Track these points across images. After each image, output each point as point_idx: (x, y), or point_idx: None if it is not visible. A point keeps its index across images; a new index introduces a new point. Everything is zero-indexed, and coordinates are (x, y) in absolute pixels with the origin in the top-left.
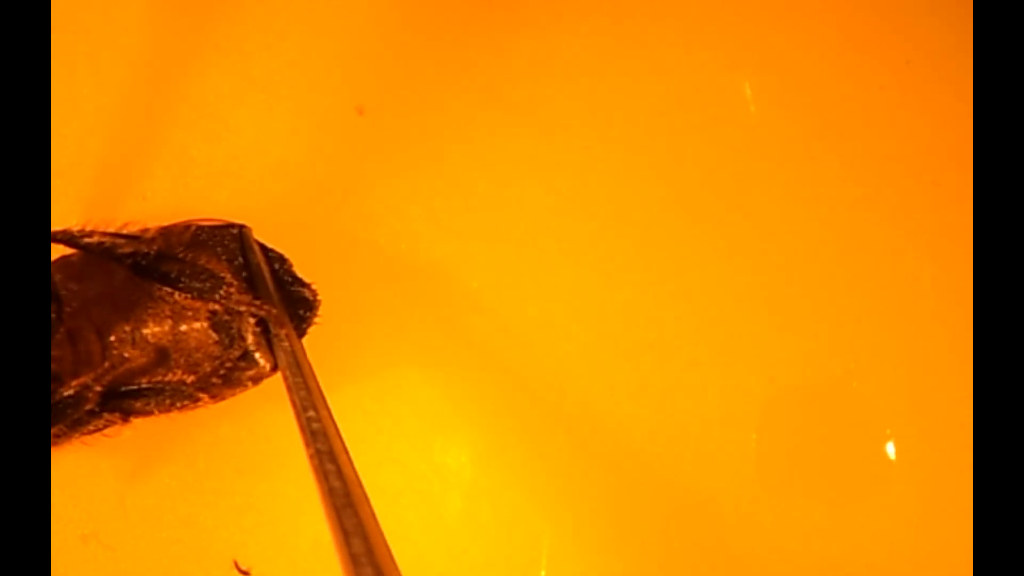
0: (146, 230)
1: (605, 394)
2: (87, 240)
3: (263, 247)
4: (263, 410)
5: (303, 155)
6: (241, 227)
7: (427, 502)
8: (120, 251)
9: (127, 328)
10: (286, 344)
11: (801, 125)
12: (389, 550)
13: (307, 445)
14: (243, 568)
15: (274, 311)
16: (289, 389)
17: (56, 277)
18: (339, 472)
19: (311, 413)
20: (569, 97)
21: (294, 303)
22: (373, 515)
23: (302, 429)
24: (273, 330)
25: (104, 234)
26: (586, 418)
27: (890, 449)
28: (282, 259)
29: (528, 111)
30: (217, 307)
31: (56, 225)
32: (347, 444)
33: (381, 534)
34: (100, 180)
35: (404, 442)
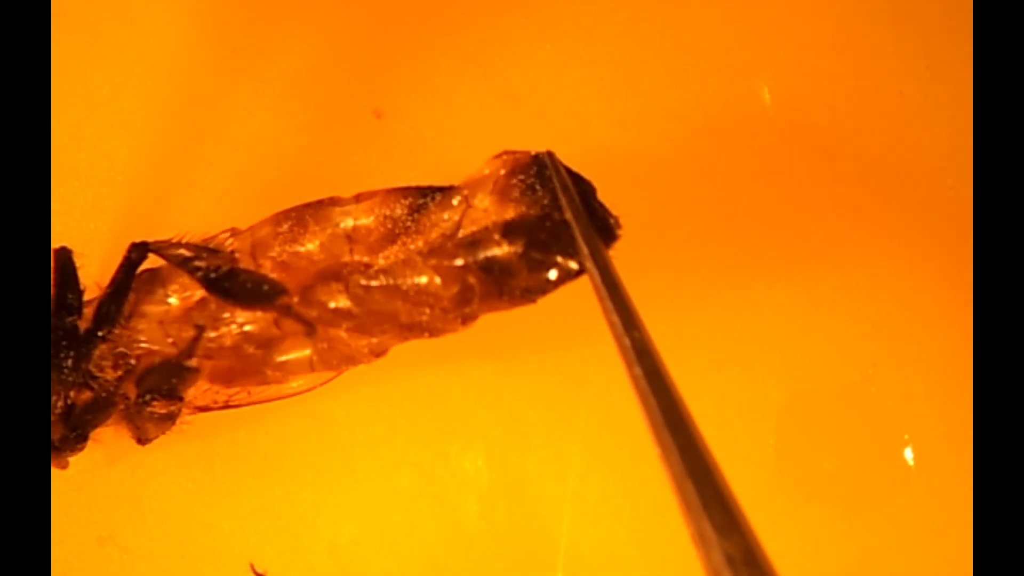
0: (233, 233)
1: (622, 398)
2: (171, 251)
3: (569, 170)
4: (280, 413)
5: (321, 159)
6: (541, 155)
7: (444, 505)
8: (192, 265)
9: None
10: (605, 264)
11: (819, 129)
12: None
13: (630, 365)
14: (259, 571)
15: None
16: (607, 311)
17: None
18: (667, 389)
19: (635, 333)
20: (587, 101)
21: (599, 229)
22: (700, 433)
23: (624, 350)
24: (587, 250)
25: (190, 246)
26: (602, 422)
27: (908, 455)
28: (590, 184)
29: (547, 115)
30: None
31: (64, 230)
32: (364, 447)
33: (710, 452)
34: (116, 184)
35: (421, 445)
